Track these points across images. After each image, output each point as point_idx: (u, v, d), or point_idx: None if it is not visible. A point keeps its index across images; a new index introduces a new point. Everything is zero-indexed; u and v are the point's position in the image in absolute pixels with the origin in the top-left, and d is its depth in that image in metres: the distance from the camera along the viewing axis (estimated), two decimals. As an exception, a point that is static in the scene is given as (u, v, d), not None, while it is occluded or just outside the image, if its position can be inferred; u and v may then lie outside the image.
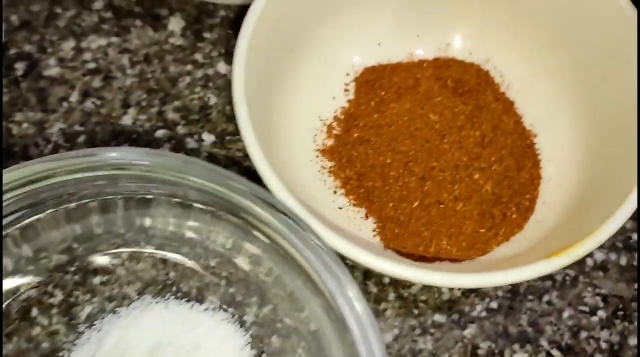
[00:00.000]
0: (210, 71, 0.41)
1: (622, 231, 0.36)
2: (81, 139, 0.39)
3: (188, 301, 0.33)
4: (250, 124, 0.31)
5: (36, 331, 0.33)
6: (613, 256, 0.38)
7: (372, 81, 0.39)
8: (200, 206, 0.33)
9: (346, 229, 0.35)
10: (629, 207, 0.30)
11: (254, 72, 0.33)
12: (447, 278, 0.30)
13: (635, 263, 0.37)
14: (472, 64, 0.40)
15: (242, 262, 0.33)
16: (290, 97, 0.38)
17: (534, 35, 0.38)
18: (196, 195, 0.31)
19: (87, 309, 0.33)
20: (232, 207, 0.31)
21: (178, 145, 0.39)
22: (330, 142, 0.38)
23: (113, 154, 0.30)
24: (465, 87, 0.38)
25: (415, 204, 0.36)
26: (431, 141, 0.36)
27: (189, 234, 0.34)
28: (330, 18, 0.38)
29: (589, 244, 0.28)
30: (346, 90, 0.39)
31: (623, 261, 0.37)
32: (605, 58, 0.35)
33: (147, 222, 0.34)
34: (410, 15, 0.39)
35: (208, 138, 0.39)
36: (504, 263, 0.31)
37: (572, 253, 0.28)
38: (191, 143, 0.39)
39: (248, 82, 0.32)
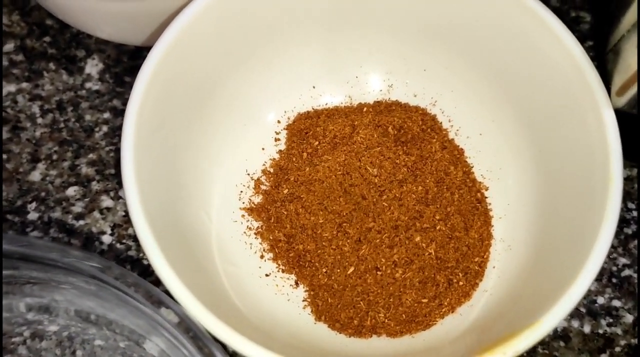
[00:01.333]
0: (130, 119, 0.37)
1: (587, 294, 0.32)
2: (-17, 199, 0.35)
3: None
4: (142, 211, 0.26)
5: None
6: (575, 323, 0.34)
7: (306, 129, 0.35)
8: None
9: (270, 302, 0.31)
10: (584, 282, 0.26)
11: (149, 133, 0.29)
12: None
13: (602, 331, 0.33)
14: (417, 107, 0.36)
15: (151, 348, 0.29)
16: (210, 152, 0.34)
17: (482, 79, 0.34)
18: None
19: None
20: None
21: (92, 204, 0.35)
22: (257, 199, 0.34)
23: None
24: (408, 135, 0.34)
25: (350, 270, 0.32)
26: (368, 198, 0.33)
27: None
28: (253, 61, 0.34)
29: (531, 336, 0.24)
30: (277, 139, 0.35)
31: (587, 328, 0.33)
32: (557, 106, 0.31)
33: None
34: (347, 55, 0.36)
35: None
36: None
37: (509, 350, 0.24)
38: (106, 201, 0.35)
39: (140, 148, 0.28)
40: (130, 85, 0.37)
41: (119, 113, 0.37)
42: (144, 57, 0.37)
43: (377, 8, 0.34)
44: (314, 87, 0.36)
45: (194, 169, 0.32)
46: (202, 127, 0.33)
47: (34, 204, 0.35)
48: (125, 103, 0.37)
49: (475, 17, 0.32)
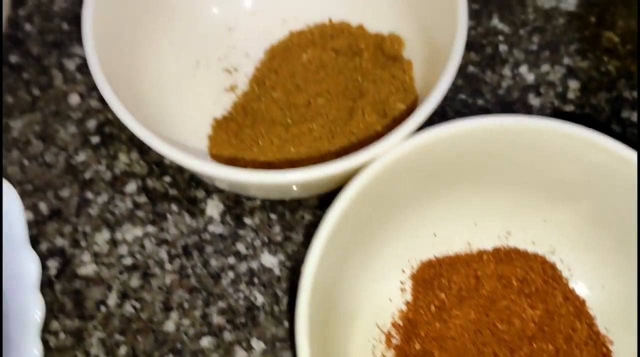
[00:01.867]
0: (254, 264, 0.38)
1: None
2: (122, 350, 0.36)
3: None
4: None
5: None
6: None
7: (431, 279, 0.36)
8: None
9: None
10: None
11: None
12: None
13: None
14: (536, 255, 0.37)
15: None
16: (347, 303, 0.35)
17: (603, 229, 0.35)
18: None
19: None
20: None
21: (226, 356, 0.36)
22: (390, 354, 0.35)
23: None
24: (532, 287, 0.36)
25: None
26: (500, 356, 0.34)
27: None
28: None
29: None
30: (403, 289, 0.37)
31: None
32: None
33: None
34: (468, 203, 0.37)
35: (258, 346, 0.36)
36: None
37: None
38: (240, 352, 0.36)
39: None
40: (251, 228, 0.39)
41: (243, 258, 0.38)
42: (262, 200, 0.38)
43: (496, 163, 0.35)
44: (435, 235, 0.37)
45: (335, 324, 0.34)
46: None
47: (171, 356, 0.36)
48: (247, 246, 0.38)
49: (588, 173, 0.34)
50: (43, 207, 0.39)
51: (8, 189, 0.29)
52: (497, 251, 0.37)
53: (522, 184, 0.36)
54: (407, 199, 0.35)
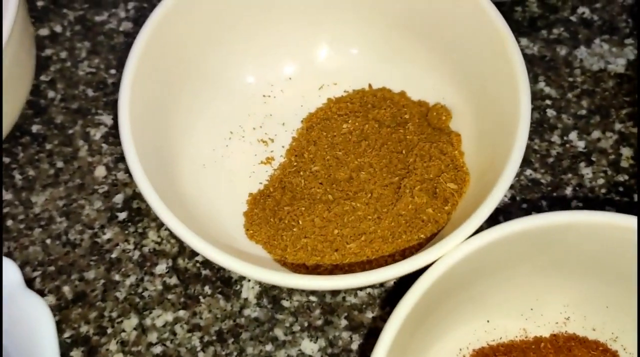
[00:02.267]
0: (293, 351, 0.36)
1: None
2: None
3: None
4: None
5: None
6: None
7: (485, 371, 0.34)
8: None
9: None
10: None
11: None
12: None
13: None
14: (596, 343, 0.35)
15: None
16: None
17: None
18: None
19: None
20: None
21: None
22: None
23: None
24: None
25: None
26: None
27: None
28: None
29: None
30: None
31: None
32: None
33: None
34: (523, 288, 0.34)
35: None
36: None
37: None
38: None
39: None
40: (289, 312, 0.36)
41: (281, 344, 0.36)
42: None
43: (555, 252, 0.33)
44: (488, 321, 0.35)
45: None
46: None
47: None
48: (286, 332, 0.36)
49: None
50: (67, 290, 0.37)
51: (37, 299, 0.27)
52: (555, 338, 0.35)
53: (582, 272, 0.33)
54: (462, 290, 0.33)
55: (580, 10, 0.44)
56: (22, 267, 0.37)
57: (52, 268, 0.37)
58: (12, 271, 0.27)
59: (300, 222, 0.35)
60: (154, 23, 0.35)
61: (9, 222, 0.38)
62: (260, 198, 0.37)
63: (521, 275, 0.34)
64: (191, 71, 0.38)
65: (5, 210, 0.38)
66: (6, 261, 0.28)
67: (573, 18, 0.44)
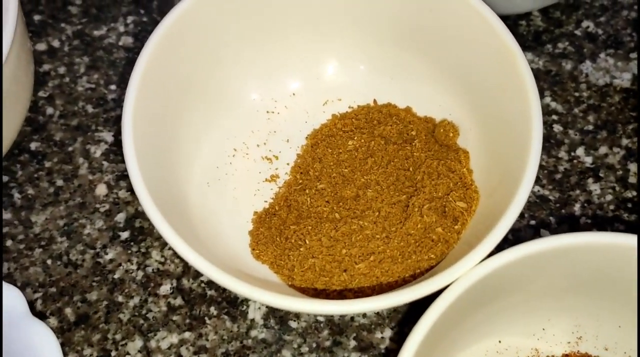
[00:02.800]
0: (302, 374, 0.35)
1: None
2: None
3: None
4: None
5: None
6: None
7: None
8: None
9: None
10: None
11: None
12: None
13: None
14: (609, 361, 0.34)
15: None
16: None
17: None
18: None
19: None
20: None
21: None
22: None
23: None
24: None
25: None
26: None
27: None
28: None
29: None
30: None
31: None
32: None
33: None
34: (534, 308, 0.34)
35: None
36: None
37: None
38: None
39: None
40: (297, 332, 0.36)
41: (290, 366, 0.35)
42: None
43: (566, 272, 0.32)
44: (499, 341, 0.34)
45: None
46: None
47: None
48: (294, 354, 0.35)
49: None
50: (69, 312, 0.36)
51: (43, 328, 0.26)
52: (567, 358, 0.34)
53: (594, 291, 0.33)
54: (476, 311, 0.32)
55: (585, 24, 0.44)
56: (22, 288, 0.36)
57: (53, 289, 0.36)
58: (17, 299, 0.27)
59: (307, 242, 0.35)
60: (157, 39, 0.34)
61: (9, 243, 0.37)
62: (265, 217, 0.36)
63: (533, 295, 0.33)
64: (194, 88, 0.37)
65: (4, 230, 0.37)
66: (10, 289, 0.27)
67: (578, 32, 0.44)
